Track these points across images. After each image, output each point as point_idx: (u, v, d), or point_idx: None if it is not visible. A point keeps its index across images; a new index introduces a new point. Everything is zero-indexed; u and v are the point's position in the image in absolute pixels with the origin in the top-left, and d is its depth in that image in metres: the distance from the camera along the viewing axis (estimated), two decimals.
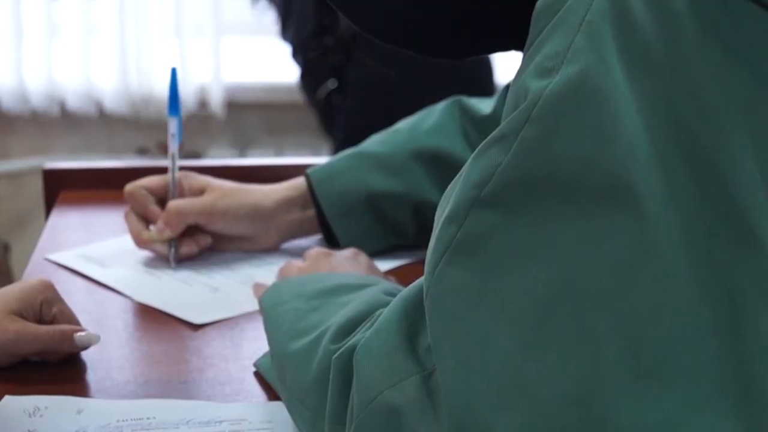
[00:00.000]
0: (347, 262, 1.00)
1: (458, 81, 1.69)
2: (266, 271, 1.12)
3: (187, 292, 1.09)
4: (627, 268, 0.59)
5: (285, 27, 2.30)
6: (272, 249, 1.20)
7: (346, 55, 2.20)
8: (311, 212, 1.19)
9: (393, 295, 0.81)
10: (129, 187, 1.17)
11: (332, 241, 1.18)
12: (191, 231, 1.17)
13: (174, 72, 1.17)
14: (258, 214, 1.18)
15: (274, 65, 2.63)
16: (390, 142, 1.19)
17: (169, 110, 1.17)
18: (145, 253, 1.17)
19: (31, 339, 0.91)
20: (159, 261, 1.16)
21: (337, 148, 2.17)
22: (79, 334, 0.92)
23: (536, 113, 0.61)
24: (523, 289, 0.61)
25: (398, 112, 1.31)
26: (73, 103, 2.75)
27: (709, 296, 0.59)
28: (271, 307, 0.89)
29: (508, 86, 1.19)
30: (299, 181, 1.20)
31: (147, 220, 1.17)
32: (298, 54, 2.28)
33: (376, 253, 1.12)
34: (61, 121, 2.80)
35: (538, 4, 0.67)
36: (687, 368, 0.59)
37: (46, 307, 0.94)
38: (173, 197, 1.16)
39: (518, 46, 0.83)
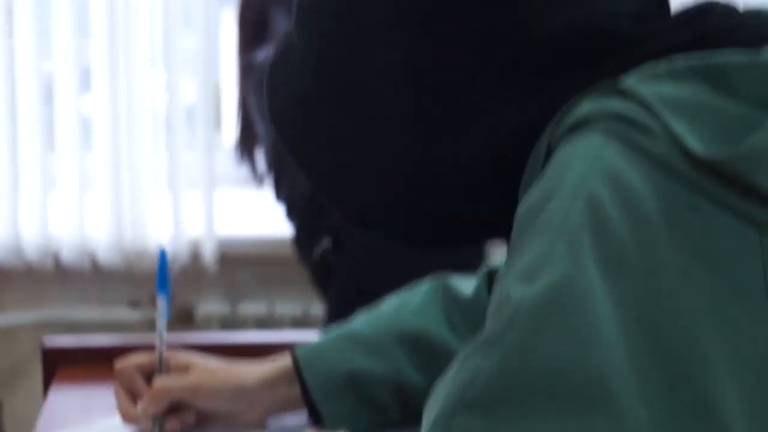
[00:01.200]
0: None
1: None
2: None
3: None
4: None
5: (279, 188, 2.33)
6: (256, 425, 1.22)
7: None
8: (296, 390, 1.21)
9: None
10: (118, 365, 1.22)
11: (317, 420, 1.21)
12: (177, 407, 1.20)
13: (163, 253, 1.22)
14: (242, 393, 1.21)
15: (266, 218, 2.67)
16: (375, 323, 1.22)
17: (157, 289, 1.21)
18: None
19: None
20: None
21: (331, 308, 2.19)
22: None
23: (518, 320, 0.66)
24: None
25: (393, 273, 1.33)
26: (67, 256, 2.78)
27: None
28: None
29: (489, 271, 1.23)
30: (285, 359, 1.23)
31: (135, 397, 1.20)
32: (293, 214, 2.30)
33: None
34: (54, 274, 2.83)
35: (520, 209, 0.72)
36: None
37: None
38: (160, 373, 1.20)
39: (501, 235, 0.87)
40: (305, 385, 1.20)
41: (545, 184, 0.70)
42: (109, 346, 1.42)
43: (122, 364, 1.22)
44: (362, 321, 1.24)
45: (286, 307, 2.81)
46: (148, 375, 1.21)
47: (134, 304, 2.83)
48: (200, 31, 2.79)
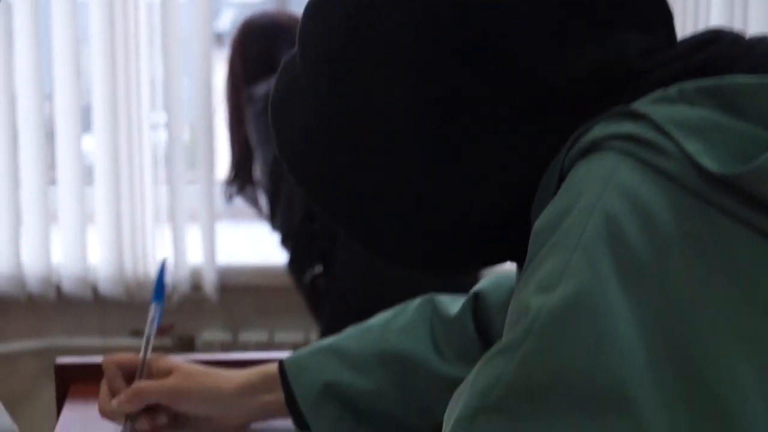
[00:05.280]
0: None
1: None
2: None
3: None
4: None
5: (273, 216, 2.37)
6: (239, 429, 1.26)
7: (332, 240, 2.26)
8: (276, 397, 1.24)
9: None
10: (104, 360, 1.27)
11: (303, 428, 1.24)
12: (154, 408, 1.25)
13: (163, 263, 1.27)
14: (218, 397, 1.25)
15: (266, 249, 2.69)
16: (361, 340, 1.25)
17: (153, 297, 1.28)
18: None
19: None
20: None
21: (324, 331, 2.22)
22: None
23: (537, 328, 0.67)
24: None
25: (381, 299, 1.35)
26: (69, 286, 2.81)
27: None
28: None
29: (475, 294, 1.25)
30: (268, 367, 1.26)
31: (114, 393, 1.25)
32: (287, 241, 2.34)
33: None
34: (56, 305, 2.86)
35: (536, 225, 0.73)
36: None
37: None
38: (139, 377, 1.25)
39: (512, 259, 0.89)
40: (293, 394, 1.23)
41: (561, 202, 0.72)
42: None
43: (107, 360, 1.27)
44: (349, 336, 1.26)
45: (286, 335, 2.83)
46: (131, 375, 1.26)
47: (137, 333, 2.85)
48: (197, 72, 2.84)
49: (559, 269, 0.68)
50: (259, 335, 2.86)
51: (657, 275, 0.67)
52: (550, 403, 0.66)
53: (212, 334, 2.87)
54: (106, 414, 1.26)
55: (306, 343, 2.79)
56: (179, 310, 2.81)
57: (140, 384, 1.24)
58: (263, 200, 2.46)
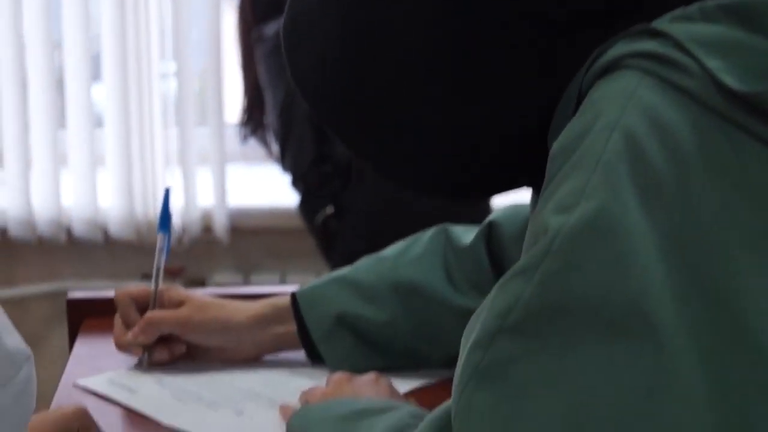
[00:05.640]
0: (369, 386, 1.05)
1: (451, 211, 1.72)
2: (289, 396, 1.16)
3: (213, 416, 1.13)
4: (646, 393, 0.63)
5: (284, 157, 2.36)
6: (251, 360, 1.28)
7: (344, 181, 2.26)
8: (288, 328, 1.25)
9: (418, 418, 0.85)
10: (117, 292, 1.29)
11: (315, 359, 1.25)
12: (168, 339, 1.26)
13: (167, 191, 1.27)
14: (229, 328, 1.26)
15: (277, 191, 2.69)
16: (374, 271, 1.25)
17: (159, 227, 1.28)
18: (171, 379, 1.23)
19: None
20: (185, 387, 1.20)
21: None
22: None
23: (556, 248, 0.66)
24: (546, 414, 0.65)
25: (394, 238, 1.35)
26: (80, 229, 2.81)
27: (723, 418, 0.63)
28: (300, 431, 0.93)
29: (489, 224, 1.25)
30: (280, 299, 1.26)
31: (128, 326, 1.26)
32: (298, 182, 2.34)
33: (393, 374, 1.16)
34: (67, 248, 2.86)
35: (554, 146, 0.72)
36: None
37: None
38: (153, 308, 1.27)
39: (528, 184, 0.88)
40: (305, 325, 1.23)
41: (580, 122, 0.71)
42: None
43: (119, 292, 1.28)
44: (363, 267, 1.26)
45: (297, 277, 2.83)
46: (144, 306, 1.27)
47: (147, 276, 2.85)
48: (206, 21, 2.82)
49: (579, 189, 0.67)
50: (271, 277, 2.86)
51: (677, 195, 0.66)
52: (569, 324, 0.65)
53: (223, 276, 2.87)
54: (121, 346, 1.26)
55: None
56: (190, 252, 2.81)
57: (153, 314, 1.25)
58: (274, 141, 2.45)
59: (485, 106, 0.80)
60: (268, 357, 1.29)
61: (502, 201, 1.64)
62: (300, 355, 1.27)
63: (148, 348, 1.25)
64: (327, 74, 0.84)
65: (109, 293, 1.37)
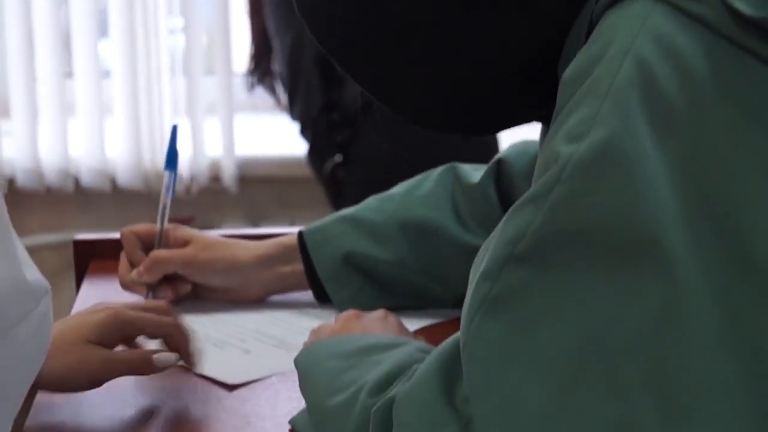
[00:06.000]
0: (378, 323, 1.04)
1: (461, 156, 1.72)
2: (297, 334, 1.15)
3: (220, 354, 1.13)
4: (656, 320, 0.63)
5: (292, 105, 2.35)
6: (258, 301, 1.27)
7: (352, 130, 2.24)
8: (295, 268, 1.24)
9: (426, 352, 0.85)
10: (123, 231, 1.29)
11: (322, 299, 1.24)
12: (174, 278, 1.25)
13: (174, 129, 1.24)
14: (234, 267, 1.25)
15: (286, 140, 2.68)
16: (382, 210, 1.24)
17: (165, 164, 1.25)
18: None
19: (114, 367, 0.96)
20: (191, 327, 1.19)
21: None
22: (156, 356, 0.98)
23: (566, 175, 0.65)
24: (556, 342, 0.65)
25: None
26: (87, 179, 2.80)
27: (734, 345, 0.63)
28: (307, 367, 0.93)
29: (498, 161, 1.24)
30: (287, 239, 1.25)
31: (134, 264, 1.25)
32: (307, 130, 2.33)
33: (402, 313, 1.16)
34: (74, 197, 2.85)
35: (565, 74, 0.71)
36: (714, 414, 0.62)
37: (122, 333, 0.99)
38: (158, 247, 1.25)
39: (537, 119, 0.87)
40: (313, 265, 1.22)
41: (591, 50, 0.70)
42: None
43: (125, 230, 1.28)
44: (370, 206, 1.25)
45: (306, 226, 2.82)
46: (149, 245, 1.26)
47: None
48: None
49: (590, 117, 0.66)
50: (279, 227, 2.85)
51: (690, 123, 0.65)
52: (580, 251, 0.65)
53: (232, 225, 2.87)
54: (126, 285, 1.26)
55: None
56: (198, 202, 2.81)
57: (158, 253, 1.24)
58: (282, 90, 2.43)
59: (495, 39, 0.79)
60: (275, 298, 1.28)
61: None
62: (307, 296, 1.26)
63: (152, 287, 1.24)
64: (334, 6, 0.83)
65: (115, 234, 1.37)
